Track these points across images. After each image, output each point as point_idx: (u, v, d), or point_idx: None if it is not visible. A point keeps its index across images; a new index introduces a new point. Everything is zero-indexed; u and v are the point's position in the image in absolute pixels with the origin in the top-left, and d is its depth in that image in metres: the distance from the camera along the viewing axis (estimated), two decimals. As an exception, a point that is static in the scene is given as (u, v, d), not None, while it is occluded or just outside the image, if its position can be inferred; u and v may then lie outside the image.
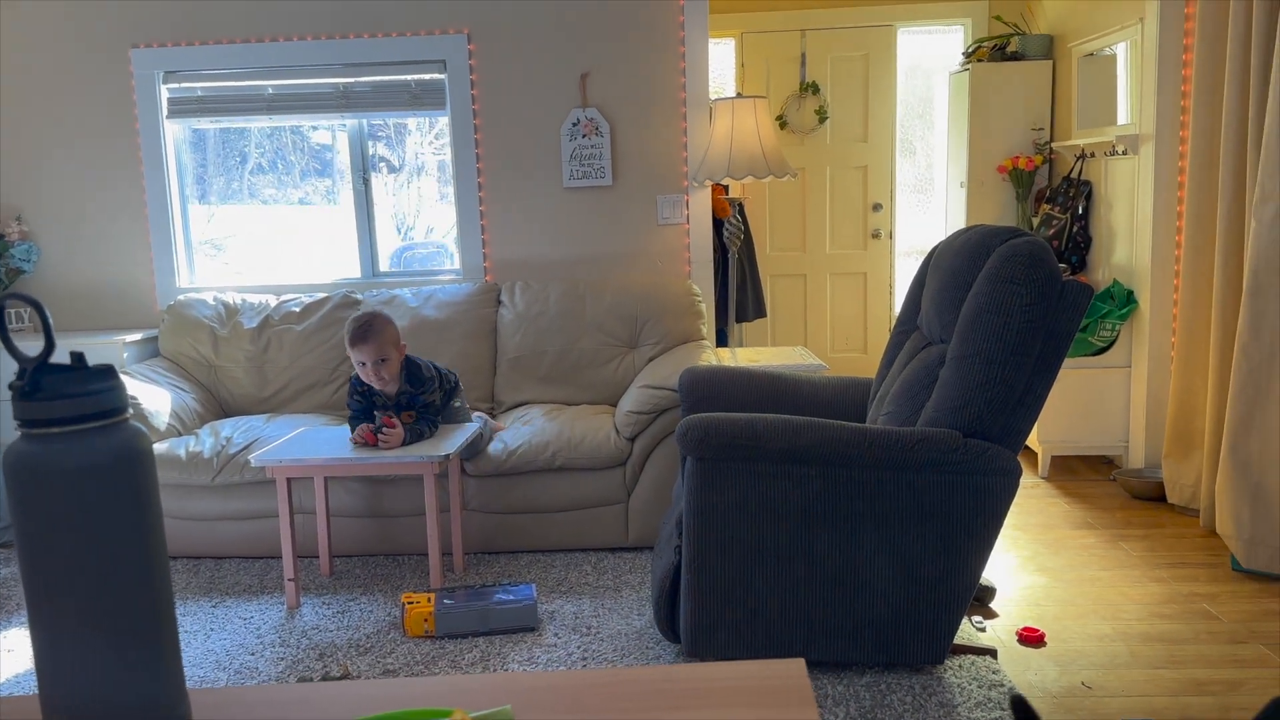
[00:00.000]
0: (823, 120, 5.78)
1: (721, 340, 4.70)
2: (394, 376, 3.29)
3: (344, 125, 4.52)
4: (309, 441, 3.30)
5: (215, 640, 3.03)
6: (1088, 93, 4.75)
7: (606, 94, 4.34)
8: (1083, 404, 4.36)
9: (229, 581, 3.48)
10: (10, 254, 4.34)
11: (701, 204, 4.40)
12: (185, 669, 2.82)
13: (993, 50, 5.22)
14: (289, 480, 3.18)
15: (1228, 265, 3.52)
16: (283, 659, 2.89)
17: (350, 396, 3.37)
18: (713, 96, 4.42)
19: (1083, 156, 4.73)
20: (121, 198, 4.44)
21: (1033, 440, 4.47)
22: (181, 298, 4.27)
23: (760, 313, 4.97)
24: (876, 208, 5.88)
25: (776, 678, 0.89)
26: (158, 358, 4.19)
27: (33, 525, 0.75)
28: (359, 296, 4.25)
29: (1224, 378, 3.55)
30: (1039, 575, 3.33)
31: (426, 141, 4.97)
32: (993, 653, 2.74)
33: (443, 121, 4.57)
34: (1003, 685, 2.55)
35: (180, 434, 3.79)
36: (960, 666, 2.66)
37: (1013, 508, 4.00)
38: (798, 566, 2.52)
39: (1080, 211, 4.68)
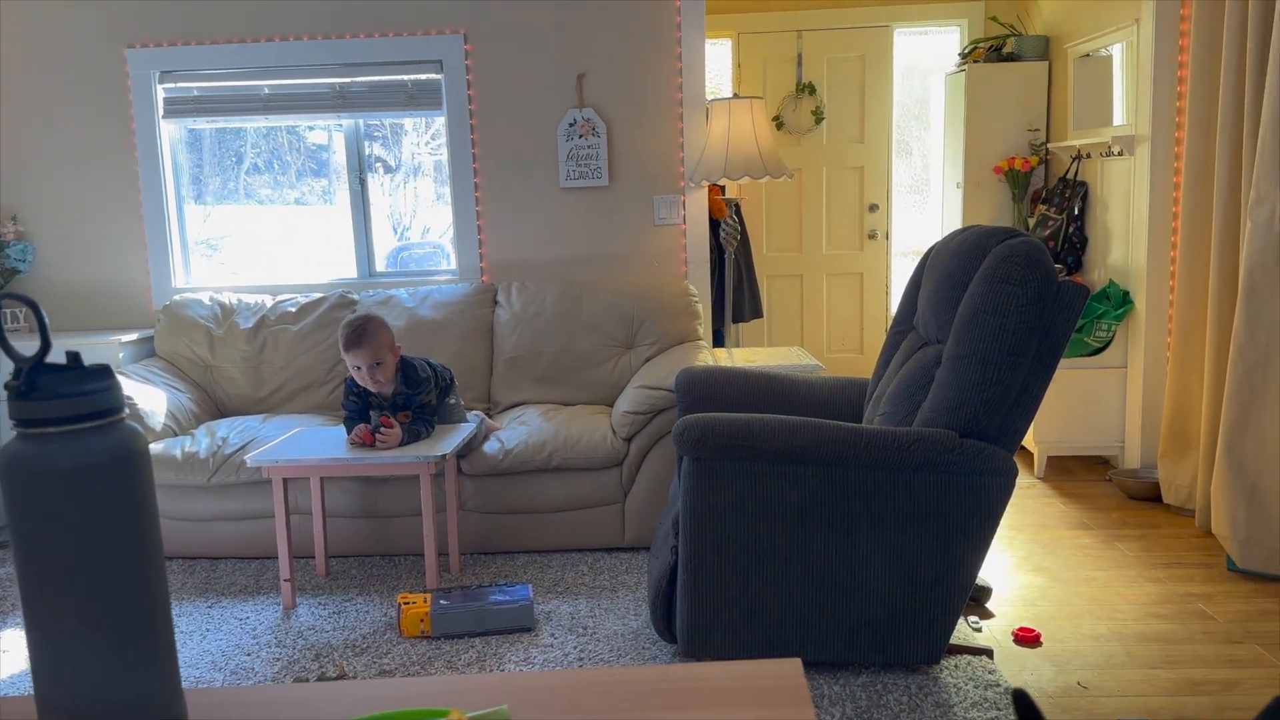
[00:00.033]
0: (819, 121, 5.78)
1: (718, 340, 4.70)
2: (389, 379, 3.29)
3: (340, 125, 4.52)
4: (305, 442, 3.30)
5: (211, 640, 3.02)
6: (1083, 94, 4.75)
7: (603, 94, 4.34)
8: (1079, 404, 4.37)
9: (225, 582, 3.48)
10: (6, 254, 4.33)
11: (698, 204, 4.40)
12: (181, 669, 2.81)
13: (989, 51, 5.22)
14: (285, 480, 3.18)
15: (1223, 266, 3.53)
16: (279, 659, 2.88)
17: (346, 398, 3.36)
18: (709, 97, 4.42)
19: (1078, 157, 4.74)
20: (117, 198, 4.43)
21: (1029, 440, 4.47)
22: (177, 298, 4.27)
23: (757, 313, 4.97)
24: (873, 208, 5.88)
25: (773, 678, 0.89)
26: (153, 358, 4.19)
27: (28, 525, 0.75)
28: (355, 297, 4.24)
29: (1219, 378, 3.56)
30: (1035, 575, 3.33)
31: (423, 141, 4.97)
32: (989, 653, 2.74)
33: (439, 122, 4.56)
34: (999, 685, 2.55)
35: (176, 434, 3.79)
36: (956, 666, 2.66)
37: (1009, 508, 4.01)
38: (794, 566, 2.52)
39: (1076, 212, 4.69)
